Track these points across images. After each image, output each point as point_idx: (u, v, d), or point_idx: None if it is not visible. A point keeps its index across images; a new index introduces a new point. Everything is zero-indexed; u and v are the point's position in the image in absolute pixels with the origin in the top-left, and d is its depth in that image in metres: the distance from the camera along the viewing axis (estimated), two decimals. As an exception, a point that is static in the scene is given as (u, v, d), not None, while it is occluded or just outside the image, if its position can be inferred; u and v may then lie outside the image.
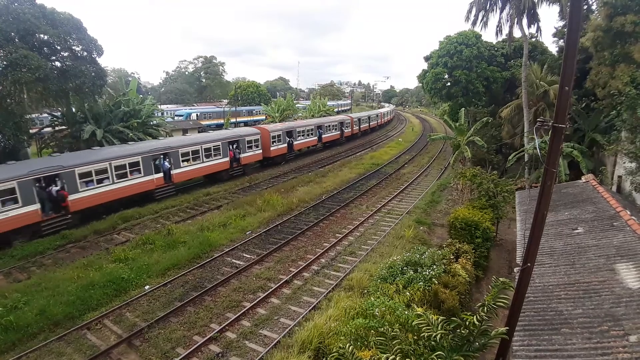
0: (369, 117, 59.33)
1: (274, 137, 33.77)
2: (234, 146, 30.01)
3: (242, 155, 30.44)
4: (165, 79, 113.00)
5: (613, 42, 19.02)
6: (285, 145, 35.93)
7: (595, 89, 21.65)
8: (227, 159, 28.99)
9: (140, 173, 22.64)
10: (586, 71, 22.75)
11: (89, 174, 20.02)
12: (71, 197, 19.27)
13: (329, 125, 45.99)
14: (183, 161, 25.53)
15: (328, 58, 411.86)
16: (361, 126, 55.90)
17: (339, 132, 47.93)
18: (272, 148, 33.33)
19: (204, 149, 27.00)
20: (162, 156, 24.38)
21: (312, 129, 41.98)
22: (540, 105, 26.76)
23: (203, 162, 27.07)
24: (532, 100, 26.71)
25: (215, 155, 27.83)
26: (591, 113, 23.96)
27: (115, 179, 21.21)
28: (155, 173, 23.66)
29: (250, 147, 31.08)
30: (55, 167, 18.85)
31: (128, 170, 21.96)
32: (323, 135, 44.10)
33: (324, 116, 57.11)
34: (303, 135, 39.93)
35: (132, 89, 31.92)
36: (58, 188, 19.00)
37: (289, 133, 37.18)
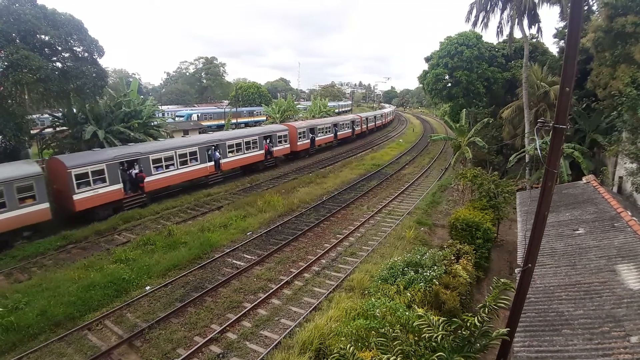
0: (374, 117, 64.38)
1: (299, 133, 38.19)
2: (268, 140, 33.87)
3: (274, 149, 34.55)
4: (166, 80, 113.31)
5: (614, 42, 19.00)
6: (309, 140, 40.17)
7: (596, 90, 21.63)
8: (263, 151, 32.92)
9: (197, 161, 26.35)
10: (587, 72, 22.74)
11: (160, 160, 23.77)
12: (146, 179, 23.00)
13: (343, 124, 49.90)
14: (229, 152, 29.50)
15: (328, 59, 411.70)
16: (368, 125, 60.05)
17: (350, 130, 51.76)
18: (298, 143, 37.91)
19: (245, 142, 31.01)
20: (213, 147, 28.16)
21: (329, 127, 45.88)
22: (541, 106, 26.75)
23: (244, 153, 31.01)
24: (532, 101, 26.70)
25: (253, 147, 31.82)
26: (592, 114, 23.94)
27: (179, 165, 24.99)
28: (208, 162, 27.27)
29: (280, 142, 35.40)
30: (135, 153, 22.64)
31: (188, 158, 25.68)
32: (338, 133, 47.97)
33: (324, 117, 58.21)
34: (322, 133, 43.81)
35: (133, 90, 31.93)
36: (137, 171, 22.75)
37: (312, 130, 41.10)
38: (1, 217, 16.78)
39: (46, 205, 18.42)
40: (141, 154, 22.76)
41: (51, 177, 20.07)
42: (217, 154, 28.30)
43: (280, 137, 35.41)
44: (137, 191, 22.84)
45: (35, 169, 18.50)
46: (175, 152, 24.64)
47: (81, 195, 19.62)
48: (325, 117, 58.34)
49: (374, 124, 63.63)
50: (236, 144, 30.17)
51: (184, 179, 25.73)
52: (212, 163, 27.79)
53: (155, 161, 23.47)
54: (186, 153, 25.46)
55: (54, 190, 19.74)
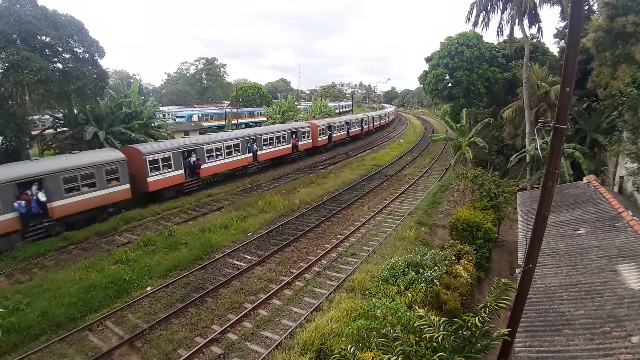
0: (379, 116, 69.40)
1: (319, 130, 42.52)
2: (294, 136, 37.84)
3: (299, 143, 38.71)
4: (166, 81, 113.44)
5: (614, 42, 18.99)
6: (327, 137, 44.44)
7: (596, 90, 21.62)
8: (290, 145, 37.11)
9: (239, 152, 30.50)
10: (587, 72, 22.73)
11: (211, 150, 27.71)
12: (202, 166, 26.63)
13: (354, 122, 54.80)
14: (264, 145, 33.64)
15: (329, 59, 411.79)
16: (374, 123, 64.99)
17: (360, 128, 56.30)
18: (318, 139, 42.11)
19: (277, 137, 35.19)
20: (252, 140, 32.08)
21: (343, 125, 50.23)
22: (542, 106, 26.73)
23: (276, 146, 35.19)
24: (533, 101, 26.68)
25: (283, 142, 36.03)
26: (592, 114, 23.92)
27: (225, 155, 28.96)
28: (248, 153, 31.50)
29: (304, 137, 39.81)
30: (193, 144, 26.68)
31: (233, 149, 29.88)
32: (350, 130, 52.38)
33: (325, 117, 58.99)
34: (337, 130, 48.23)
35: (134, 91, 31.97)
36: (194, 159, 26.35)
37: (329, 127, 45.50)
38: (93, 195, 20.05)
39: (127, 186, 21.73)
40: (197, 144, 26.81)
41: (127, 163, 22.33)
42: (255, 146, 32.29)
43: (304, 133, 39.69)
44: (194, 176, 26.40)
45: (120, 155, 21.74)
46: (223, 144, 28.78)
47: (153, 178, 23.44)
48: (325, 117, 58.84)
49: (379, 122, 68.72)
50: (269, 138, 34.34)
51: (229, 167, 30.07)
52: (251, 154, 31.76)
53: (208, 151, 27.40)
54: (231, 145, 29.76)
55: (129, 175, 22.07)
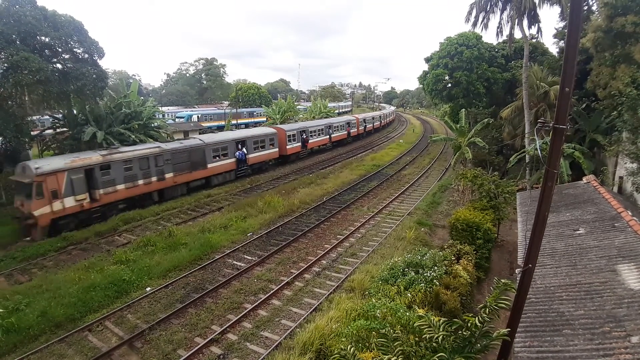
0: (379, 117, 72.71)
1: (339, 126, 50.46)
2: (329, 130, 46.68)
3: (333, 135, 47.45)
4: (166, 81, 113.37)
5: (613, 42, 19.01)
6: (345, 132, 51.99)
7: (596, 90, 21.63)
8: (328, 137, 46.43)
9: (295, 141, 38.72)
10: (587, 72, 22.74)
11: (255, 142, 32.88)
12: (249, 156, 31.82)
13: (338, 126, 58.72)
14: (311, 136, 42.13)
15: (329, 60, 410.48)
16: (374, 124, 68.28)
17: (345, 132, 57.53)
18: (287, 146, 43.93)
19: (318, 130, 44.17)
20: (302, 132, 40.25)
21: (322, 129, 51.61)
22: (541, 106, 26.75)
23: (318, 137, 44.09)
24: (532, 101, 26.69)
25: (321, 135, 44.75)
26: (592, 114, 23.94)
27: (267, 147, 34.35)
28: (325, 135, 44.31)
29: (336, 130, 48.85)
30: (244, 137, 31.87)
31: (319, 133, 42.91)
32: (367, 126, 60.65)
33: (324, 117, 59.00)
34: (316, 135, 51.46)
35: (133, 91, 31.91)
36: (305, 137, 38.28)
37: (348, 124, 53.39)
38: (264, 153, 33.77)
39: (277, 149, 35.57)
40: (246, 137, 32.11)
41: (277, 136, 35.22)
42: (304, 136, 40.05)
43: (335, 127, 48.52)
44: (243, 165, 31.61)
45: (275, 130, 35.76)
46: (320, 129, 44.27)
47: (289, 146, 37.36)
48: (325, 117, 59.06)
49: (379, 123, 71.74)
50: (315, 130, 43.20)
51: (270, 157, 35.26)
52: (300, 144, 39.52)
53: (253, 143, 32.62)
54: (319, 129, 43.67)
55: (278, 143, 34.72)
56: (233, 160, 30.22)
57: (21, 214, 18.71)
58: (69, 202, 19.20)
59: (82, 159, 20.18)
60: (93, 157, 20.61)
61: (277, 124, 48.27)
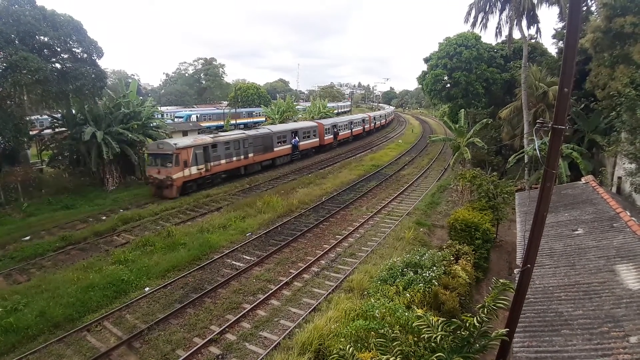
0: (380, 116, 76.75)
1: (357, 122, 56.43)
2: (351, 125, 53.18)
3: (353, 130, 53.68)
4: (165, 81, 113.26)
5: (612, 43, 19.04)
6: (362, 128, 58.20)
7: (594, 90, 21.67)
8: (350, 132, 52.90)
9: (329, 134, 46.06)
10: (586, 72, 22.78)
11: (304, 133, 40.51)
12: (300, 143, 38.69)
13: (380, 115, 71.88)
14: (340, 130, 49.32)
15: (328, 60, 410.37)
16: (381, 121, 73.82)
17: (378, 122, 68.91)
18: (355, 129, 55.21)
19: (345, 124, 51.37)
20: (334, 126, 47.62)
21: (376, 117, 66.07)
22: (540, 107, 26.78)
23: (346, 130, 51.33)
24: (531, 101, 26.72)
25: (345, 129, 51.32)
26: (591, 114, 23.97)
27: (311, 137, 41.91)
28: (331, 135, 46.79)
29: (356, 126, 55.22)
30: (297, 128, 39.49)
31: (344, 127, 50.22)
32: (376, 123, 67.81)
33: (325, 117, 59.28)
34: (366, 124, 61.09)
35: (132, 91, 31.93)
36: (297, 138, 38.67)
37: (363, 120, 59.44)
38: (309, 142, 41.19)
39: (318, 139, 42.76)
40: (298, 129, 39.85)
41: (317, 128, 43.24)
42: (335, 130, 47.47)
43: (355, 123, 55.45)
44: (296, 151, 38.82)
45: (316, 124, 43.63)
46: (343, 123, 50.79)
47: (326, 137, 44.26)
48: (323, 117, 59.14)
49: (380, 122, 75.24)
50: (342, 125, 49.85)
51: (315, 145, 42.61)
52: (333, 136, 46.49)
53: (302, 134, 40.04)
54: (343, 124, 50.54)
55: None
56: (290, 146, 37.70)
57: (154, 180, 25.24)
58: (194, 170, 26.12)
59: (201, 139, 28.09)
60: (207, 138, 28.13)
61: (275, 123, 48.96)
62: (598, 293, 7.63)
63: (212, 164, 27.38)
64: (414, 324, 6.63)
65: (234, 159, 29.99)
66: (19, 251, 16.85)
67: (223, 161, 28.69)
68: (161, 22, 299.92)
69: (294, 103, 72.14)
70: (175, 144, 24.78)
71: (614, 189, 18.97)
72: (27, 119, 23.81)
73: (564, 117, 5.62)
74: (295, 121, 55.70)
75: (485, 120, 30.21)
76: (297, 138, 38.56)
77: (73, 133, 25.43)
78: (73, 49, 23.06)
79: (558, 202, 13.64)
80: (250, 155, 31.71)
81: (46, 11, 21.49)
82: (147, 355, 10.60)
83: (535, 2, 25.31)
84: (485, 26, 27.31)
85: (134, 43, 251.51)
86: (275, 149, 35.03)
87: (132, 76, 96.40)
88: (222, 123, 59.89)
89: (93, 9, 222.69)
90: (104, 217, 21.61)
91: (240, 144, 30.39)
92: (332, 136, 46.58)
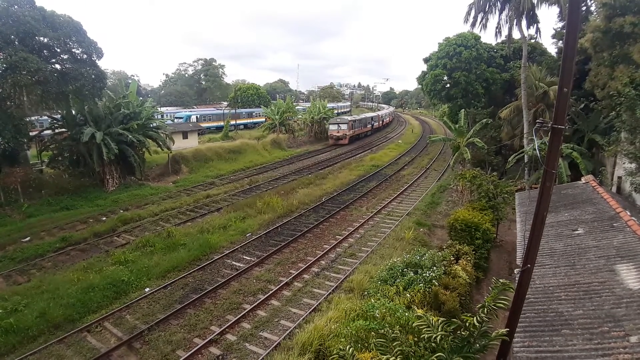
0: (388, 114, 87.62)
1: (374, 119, 68.94)
2: (372, 120, 66.25)
3: (373, 125, 67.34)
4: (165, 82, 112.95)
5: (612, 43, 19.06)
6: (378, 124, 71.60)
7: (594, 90, 21.67)
8: (371, 126, 65.56)
9: (376, 123, 68.85)
10: (585, 72, 22.79)
11: (372, 119, 66.05)
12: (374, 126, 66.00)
13: (385, 114, 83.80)
14: (374, 122, 67.61)
15: (328, 61, 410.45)
16: (386, 119, 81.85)
17: (384, 120, 79.56)
18: (374, 124, 68.73)
19: (371, 120, 66.14)
20: (372, 119, 66.42)
21: (382, 115, 78.04)
22: (540, 107, 26.78)
23: (376, 122, 69.49)
24: (531, 101, 26.73)
25: (370, 123, 64.94)
26: (590, 114, 23.98)
27: (375, 123, 68.39)
28: (370, 126, 64.98)
29: (375, 121, 68.88)
30: (371, 116, 67.88)
31: (371, 122, 66.27)
32: (384, 120, 78.28)
33: (325, 117, 59.80)
34: (378, 121, 74.36)
35: (132, 92, 31.90)
36: (372, 122, 65.40)
37: (373, 118, 69.41)
38: (368, 128, 63.86)
39: (370, 126, 64.48)
40: (371, 117, 66.80)
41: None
42: (372, 121, 65.29)
43: (374, 119, 67.96)
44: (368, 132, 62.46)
45: (372, 114, 72.49)
46: (371, 118, 66.62)
47: (374, 124, 67.68)
48: (323, 118, 59.30)
49: (383, 121, 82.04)
50: (371, 120, 65.62)
51: (364, 131, 61.25)
52: (370, 126, 64.10)
53: (374, 119, 67.13)
54: (369, 119, 66.75)
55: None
56: (370, 126, 64.25)
57: (331, 137, 52.21)
58: (352, 132, 54.66)
59: (353, 117, 60.71)
60: (350, 118, 57.00)
61: (275, 123, 48.87)
62: (598, 293, 7.63)
63: (356, 129, 56.06)
64: (414, 324, 6.63)
65: (360, 128, 58.77)
66: (19, 252, 16.84)
67: (358, 129, 57.56)
68: (161, 22, 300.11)
69: (294, 103, 72.04)
70: (347, 119, 54.37)
71: (614, 189, 18.95)
72: (27, 119, 23.75)
73: (564, 117, 5.62)
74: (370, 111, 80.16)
75: (485, 120, 30.20)
76: (373, 122, 65.96)
77: (73, 134, 25.39)
78: (73, 50, 23.02)
79: (558, 202, 13.64)
80: (362, 128, 60.24)
81: (46, 12, 21.46)
82: (148, 356, 10.60)
83: (535, 2, 25.31)
84: (484, 26, 27.35)
85: (134, 44, 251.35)
86: (367, 127, 63.16)
87: (132, 77, 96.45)
88: (222, 124, 59.80)
89: (93, 9, 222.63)
90: (104, 218, 21.60)
91: (362, 122, 60.22)
92: (370, 126, 66.59)
